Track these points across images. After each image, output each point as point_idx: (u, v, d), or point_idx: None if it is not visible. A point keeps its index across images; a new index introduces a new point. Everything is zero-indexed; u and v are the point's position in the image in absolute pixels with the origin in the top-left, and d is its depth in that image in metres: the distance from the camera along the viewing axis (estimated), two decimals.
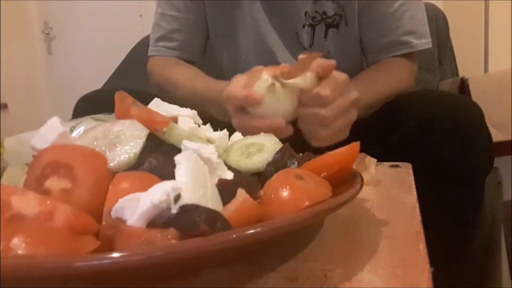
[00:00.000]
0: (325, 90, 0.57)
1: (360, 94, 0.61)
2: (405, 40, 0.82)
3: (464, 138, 0.65)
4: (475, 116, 0.67)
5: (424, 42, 0.82)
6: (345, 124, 0.60)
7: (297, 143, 0.47)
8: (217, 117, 0.72)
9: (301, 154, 0.42)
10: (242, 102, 0.59)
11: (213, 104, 0.74)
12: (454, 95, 0.88)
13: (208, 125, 0.46)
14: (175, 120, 0.43)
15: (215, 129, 0.46)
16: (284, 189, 0.34)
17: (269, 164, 0.40)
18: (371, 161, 0.55)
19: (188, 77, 0.86)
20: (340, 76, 0.59)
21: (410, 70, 0.84)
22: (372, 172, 0.55)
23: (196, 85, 0.82)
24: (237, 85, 0.61)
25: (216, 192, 0.32)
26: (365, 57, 0.90)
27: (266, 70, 0.60)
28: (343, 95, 0.58)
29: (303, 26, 0.86)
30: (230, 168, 0.37)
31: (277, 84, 0.58)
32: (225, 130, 0.45)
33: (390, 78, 0.80)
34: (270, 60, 0.87)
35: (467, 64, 1.60)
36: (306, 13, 0.85)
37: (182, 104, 0.48)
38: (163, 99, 0.48)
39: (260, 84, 0.59)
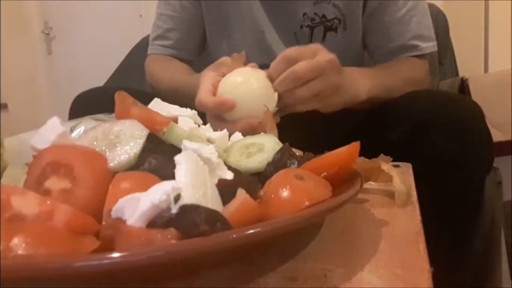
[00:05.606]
0: (290, 51, 0.58)
1: (367, 82, 0.60)
2: (412, 44, 0.83)
3: (464, 138, 0.65)
4: (475, 116, 0.67)
5: (430, 45, 0.84)
6: (326, 86, 0.60)
7: (297, 143, 0.47)
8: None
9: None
10: (215, 111, 0.60)
11: (190, 99, 0.75)
12: (454, 95, 0.89)
13: (208, 125, 0.46)
14: (175, 120, 0.43)
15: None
16: (284, 189, 0.34)
17: (269, 164, 0.40)
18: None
19: (168, 71, 0.88)
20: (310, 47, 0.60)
21: (422, 68, 0.85)
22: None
23: (175, 79, 0.84)
24: (205, 91, 0.61)
25: (216, 192, 0.32)
26: (373, 61, 0.90)
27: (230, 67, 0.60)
28: (318, 56, 0.59)
29: (301, 27, 0.86)
30: (230, 168, 0.37)
31: (243, 80, 0.58)
32: (225, 130, 0.45)
33: (401, 73, 0.81)
34: (269, 57, 0.88)
35: (467, 64, 1.60)
36: (304, 14, 0.85)
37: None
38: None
39: (226, 82, 0.59)
